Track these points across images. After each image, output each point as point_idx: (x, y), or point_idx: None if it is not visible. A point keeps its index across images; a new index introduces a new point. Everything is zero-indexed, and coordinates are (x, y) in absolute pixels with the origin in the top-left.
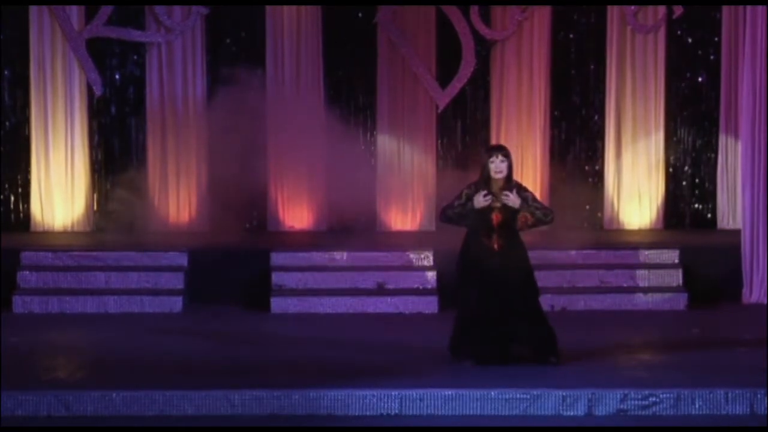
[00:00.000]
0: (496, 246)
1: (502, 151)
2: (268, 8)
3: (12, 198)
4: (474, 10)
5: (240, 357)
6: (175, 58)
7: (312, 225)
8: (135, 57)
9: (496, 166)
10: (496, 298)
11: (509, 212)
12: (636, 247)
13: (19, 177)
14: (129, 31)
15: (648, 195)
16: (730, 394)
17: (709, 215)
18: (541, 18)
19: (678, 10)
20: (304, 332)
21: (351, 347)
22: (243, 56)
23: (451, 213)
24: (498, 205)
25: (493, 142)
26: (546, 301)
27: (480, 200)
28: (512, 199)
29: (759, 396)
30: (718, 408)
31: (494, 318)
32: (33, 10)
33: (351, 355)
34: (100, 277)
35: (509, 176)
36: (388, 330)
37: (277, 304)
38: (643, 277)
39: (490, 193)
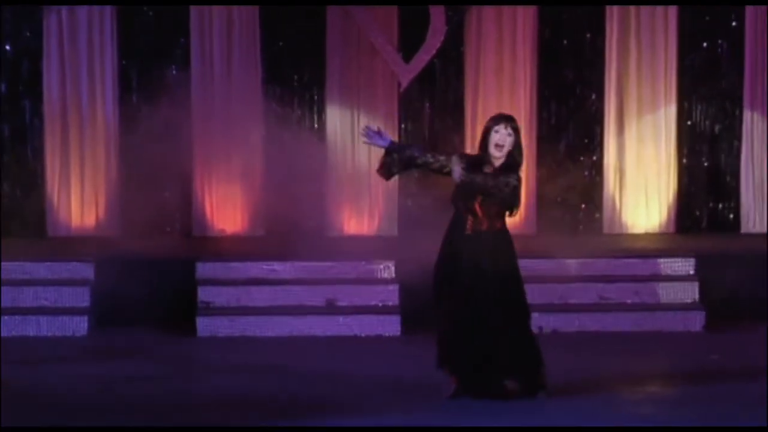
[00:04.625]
0: (470, 231)
1: (512, 122)
2: None
3: None
4: None
5: (159, 390)
6: (80, 26)
7: (247, 229)
8: (29, 24)
9: (500, 137)
10: (471, 303)
11: (497, 197)
12: (642, 255)
13: None
14: None
15: (657, 192)
16: None
17: (731, 216)
18: None
19: None
20: (237, 360)
21: (295, 379)
22: (162, 25)
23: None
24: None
25: (468, 126)
26: (534, 322)
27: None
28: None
29: None
30: None
31: (474, 335)
32: None
33: (295, 388)
34: None
35: (512, 155)
36: (341, 357)
37: (205, 326)
38: (650, 292)
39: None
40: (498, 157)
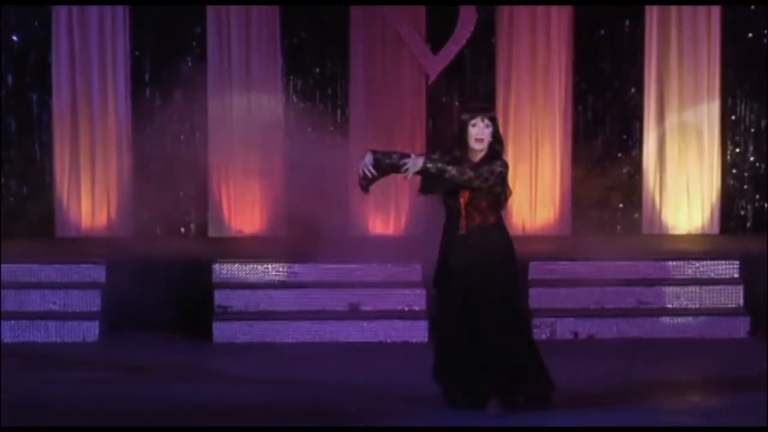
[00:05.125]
0: (463, 230)
1: (489, 113)
2: None
3: None
4: None
5: (172, 400)
6: (90, 16)
7: (266, 229)
8: (38, 13)
9: (479, 131)
10: (469, 305)
11: (482, 189)
12: (684, 257)
13: None
14: None
15: (699, 191)
16: None
17: None
18: None
19: None
20: (256, 368)
21: (316, 388)
22: (177, 14)
23: (432, 165)
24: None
25: (500, 121)
26: (568, 327)
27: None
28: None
29: None
30: None
31: (466, 342)
32: None
33: (316, 397)
34: None
35: (493, 147)
36: (365, 364)
37: (221, 331)
38: (692, 296)
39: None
40: (479, 150)
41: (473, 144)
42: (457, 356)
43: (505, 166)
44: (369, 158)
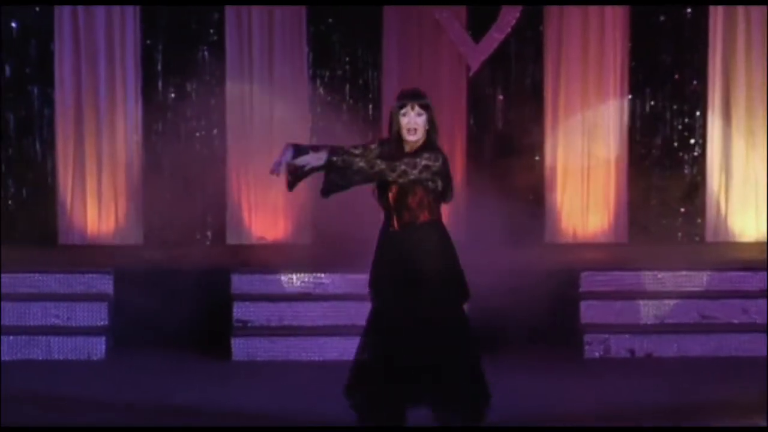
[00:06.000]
0: (395, 227)
1: (419, 99)
2: None
3: None
4: None
5: (187, 425)
6: (97, 3)
7: (290, 236)
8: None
9: (410, 121)
10: (399, 316)
11: (413, 185)
12: (752, 267)
13: None
14: None
15: None
16: None
17: None
18: None
19: None
20: (279, 388)
21: (346, 410)
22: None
23: (337, 158)
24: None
25: (548, 116)
26: (623, 344)
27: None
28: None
29: None
30: None
31: (394, 354)
32: None
33: (344, 421)
34: None
35: (429, 136)
36: None
37: (241, 348)
38: (761, 310)
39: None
40: (414, 140)
41: (405, 134)
42: (374, 368)
43: (436, 158)
44: (287, 155)
